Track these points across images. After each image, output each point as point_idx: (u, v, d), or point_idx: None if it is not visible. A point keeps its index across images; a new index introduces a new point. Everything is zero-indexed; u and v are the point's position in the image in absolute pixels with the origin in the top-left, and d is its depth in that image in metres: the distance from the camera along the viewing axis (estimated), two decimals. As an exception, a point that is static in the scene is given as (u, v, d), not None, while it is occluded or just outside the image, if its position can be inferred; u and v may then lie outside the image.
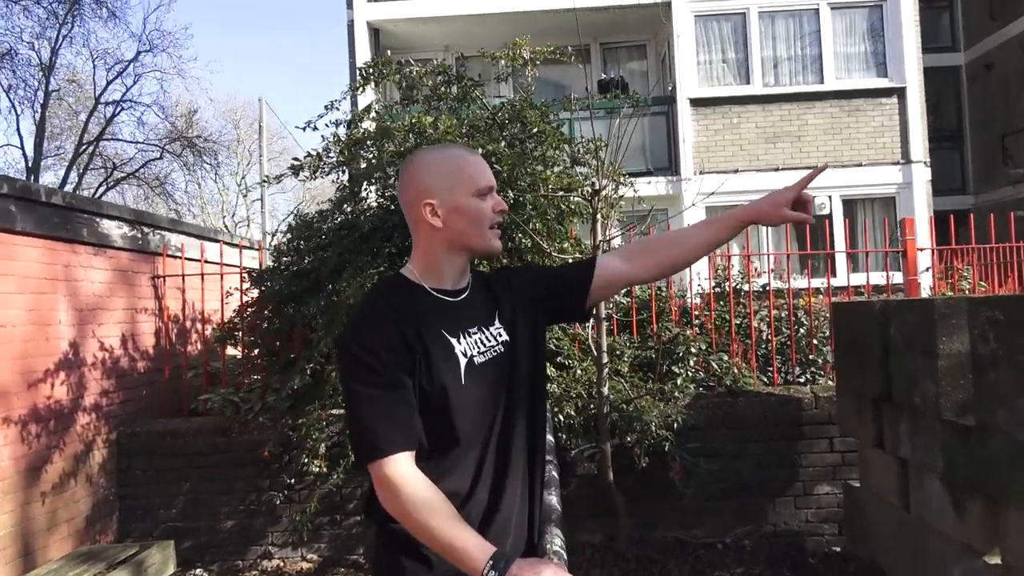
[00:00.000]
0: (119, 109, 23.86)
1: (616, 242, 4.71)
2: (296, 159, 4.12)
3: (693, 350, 5.09)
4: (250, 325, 5.25)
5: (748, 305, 5.48)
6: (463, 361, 1.44)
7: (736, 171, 11.13)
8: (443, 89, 4.33)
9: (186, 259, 5.80)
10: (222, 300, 5.58)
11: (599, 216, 4.39)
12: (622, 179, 4.77)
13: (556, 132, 4.34)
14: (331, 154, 4.09)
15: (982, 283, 6.44)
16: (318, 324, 4.35)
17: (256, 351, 5.25)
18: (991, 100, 14.79)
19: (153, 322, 5.65)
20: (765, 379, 5.37)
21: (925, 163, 11.51)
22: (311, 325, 4.57)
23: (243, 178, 31.76)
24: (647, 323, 5.43)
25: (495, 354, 1.50)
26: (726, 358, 5.22)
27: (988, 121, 14.90)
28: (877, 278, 8.17)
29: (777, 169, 11.39)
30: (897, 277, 6.53)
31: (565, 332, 4.99)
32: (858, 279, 9.30)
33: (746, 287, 5.64)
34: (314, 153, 4.14)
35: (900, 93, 11.47)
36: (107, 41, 31.03)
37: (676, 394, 4.85)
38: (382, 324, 1.41)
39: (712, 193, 6.42)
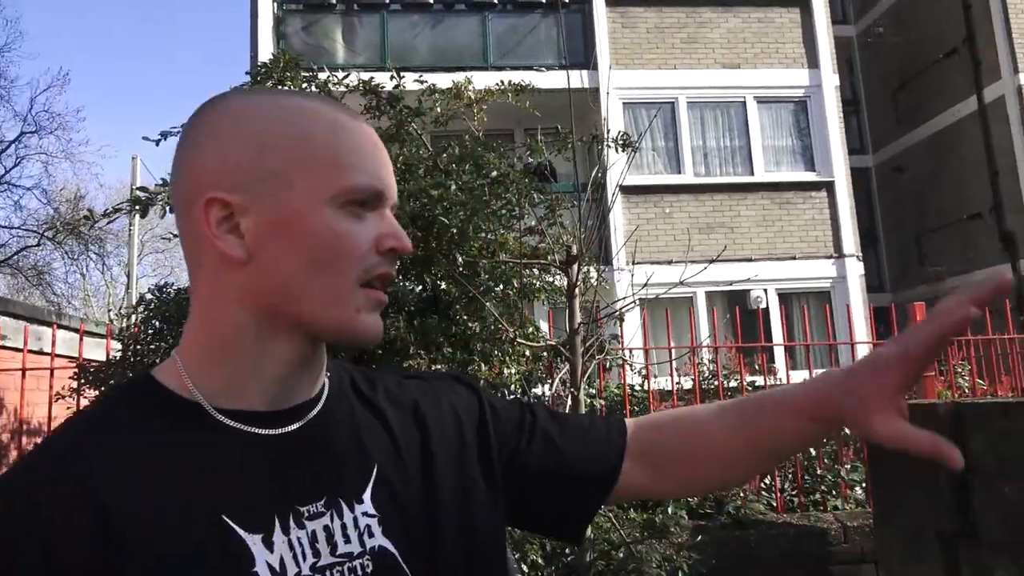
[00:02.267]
0: (-6, 191, 21.74)
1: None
2: (142, 188, 2.80)
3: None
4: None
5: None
6: None
7: (671, 262, 10.49)
8: (369, 117, 3.22)
9: (2, 348, 4.28)
10: (50, 404, 4.08)
11: (576, 292, 3.29)
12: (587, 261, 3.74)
13: (523, 177, 3.28)
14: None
15: (980, 381, 5.71)
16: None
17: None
18: (902, 201, 15.06)
19: (-54, 436, 4.06)
20: (767, 503, 4.28)
21: (857, 257, 11.27)
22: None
23: (131, 273, 29.69)
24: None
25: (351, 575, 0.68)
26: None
27: (901, 221, 15.12)
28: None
29: (712, 261, 10.83)
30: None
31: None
32: (798, 376, 8.67)
33: (733, 382, 4.63)
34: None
35: (829, 187, 11.34)
36: (-15, 120, 28.76)
37: (672, 528, 3.67)
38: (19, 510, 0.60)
39: (646, 284, 5.59)
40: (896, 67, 14.99)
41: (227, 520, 0.65)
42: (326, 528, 0.69)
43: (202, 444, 0.68)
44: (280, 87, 2.91)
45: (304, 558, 0.67)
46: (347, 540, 0.70)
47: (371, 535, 0.71)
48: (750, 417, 0.88)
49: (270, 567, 0.65)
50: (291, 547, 0.67)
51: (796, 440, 0.89)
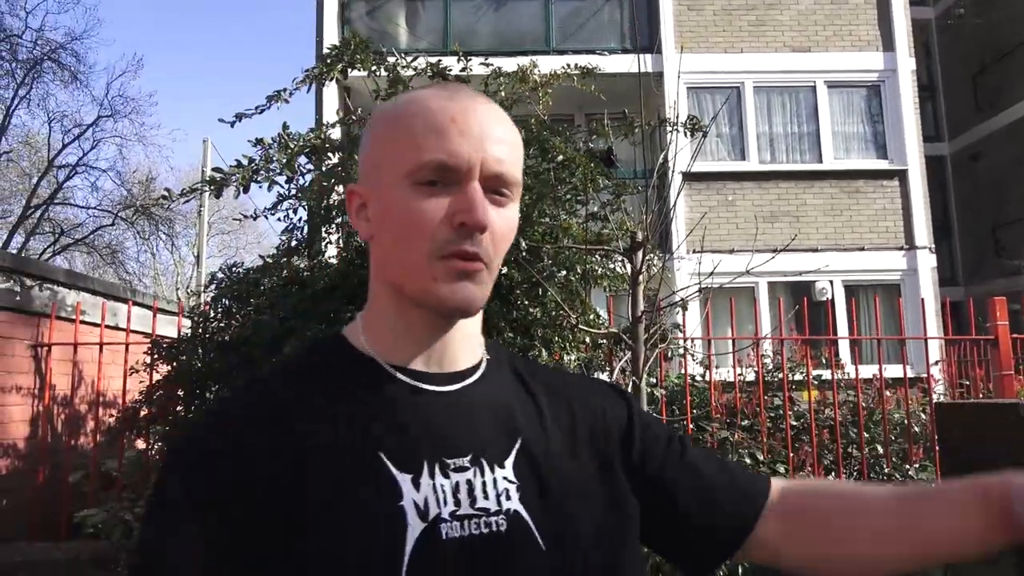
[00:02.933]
0: (73, 173, 22.75)
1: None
2: (217, 170, 2.86)
3: (748, 460, 3.88)
4: (160, 411, 3.91)
5: (808, 399, 4.32)
6: (414, 526, 0.70)
7: (733, 251, 10.26)
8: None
9: (82, 322, 4.46)
10: (125, 377, 4.24)
11: (640, 279, 3.24)
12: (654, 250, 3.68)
13: (588, 162, 3.23)
14: (273, 164, 2.86)
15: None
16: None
17: (163, 446, 3.89)
18: (979, 191, 14.41)
19: (29, 404, 4.26)
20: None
21: (930, 249, 10.84)
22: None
23: (200, 253, 30.65)
24: (676, 422, 4.23)
25: (486, 529, 0.73)
26: (783, 471, 4.03)
27: (977, 212, 14.48)
28: (895, 370, 7.17)
29: (776, 250, 10.57)
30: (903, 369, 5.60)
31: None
32: (867, 371, 8.40)
33: (799, 375, 4.51)
34: (245, 161, 2.83)
35: (901, 176, 10.91)
36: (66, 104, 29.87)
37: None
38: (233, 435, 0.72)
39: (712, 273, 5.46)
40: (976, 50, 14.30)
41: (383, 457, 0.73)
42: (468, 482, 0.75)
43: (372, 391, 0.78)
44: (351, 69, 2.93)
45: (445, 503, 0.73)
46: (486, 497, 0.75)
47: (508, 498, 0.76)
48: (912, 500, 0.86)
49: (415, 504, 0.72)
50: (435, 491, 0.73)
51: (955, 538, 0.83)
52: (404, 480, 0.73)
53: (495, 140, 0.76)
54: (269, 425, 0.74)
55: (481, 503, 0.75)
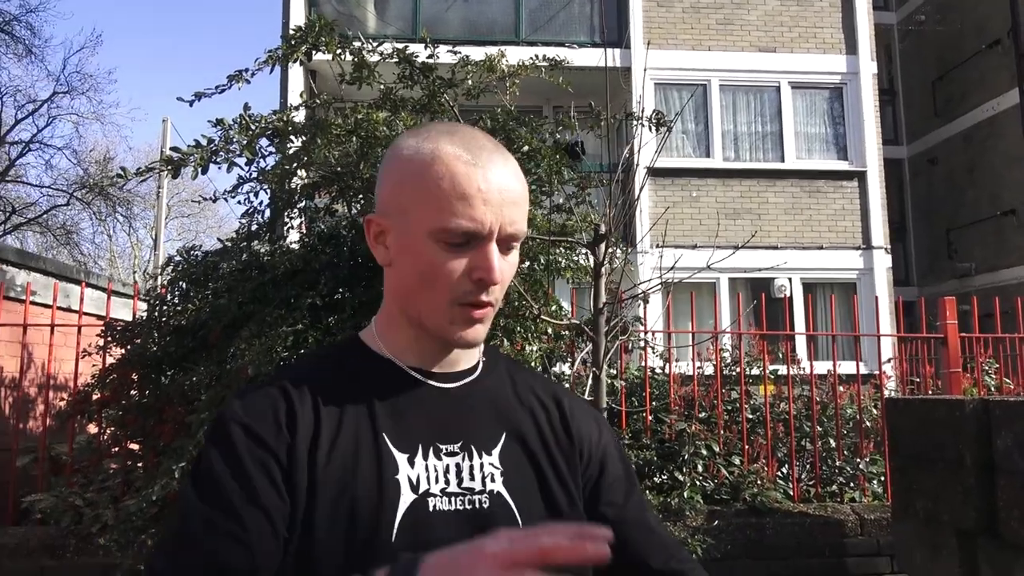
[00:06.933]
0: (26, 150, 21.96)
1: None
2: (175, 149, 2.79)
3: (704, 452, 3.93)
4: (113, 394, 3.82)
5: (764, 393, 4.40)
6: (406, 495, 0.86)
7: (695, 246, 10.38)
8: (402, 86, 3.17)
9: (32, 303, 4.33)
10: (77, 360, 4.13)
11: (603, 272, 3.26)
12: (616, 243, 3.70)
13: (554, 153, 3.23)
14: (234, 145, 2.80)
15: (1007, 380, 5.61)
16: (200, 401, 3.00)
17: (115, 431, 3.81)
18: (935, 194, 14.77)
19: (-24, 387, 4.14)
20: (783, 492, 4.25)
21: (886, 249, 11.10)
22: (192, 401, 3.21)
23: (158, 235, 29.96)
24: (635, 414, 4.28)
25: (470, 506, 0.88)
26: (739, 463, 4.10)
27: (932, 215, 14.85)
28: (849, 367, 7.33)
29: (737, 247, 10.71)
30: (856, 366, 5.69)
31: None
32: (822, 367, 8.58)
33: (756, 370, 4.59)
34: (204, 141, 2.76)
35: (861, 177, 11.14)
36: (20, 79, 28.88)
37: (687, 511, 3.66)
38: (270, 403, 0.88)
39: (673, 267, 5.52)
40: (936, 57, 14.63)
41: (384, 437, 0.89)
42: (457, 465, 0.90)
43: (383, 384, 0.93)
44: (315, 52, 2.88)
45: (435, 481, 0.88)
46: (472, 478, 0.90)
47: (493, 481, 0.90)
48: None
49: (409, 479, 0.87)
50: (427, 470, 0.88)
51: None
52: (401, 458, 0.88)
53: (512, 204, 0.89)
54: (305, 398, 0.89)
55: (467, 483, 0.89)
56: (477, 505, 0.88)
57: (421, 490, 0.86)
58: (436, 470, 0.88)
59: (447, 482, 0.88)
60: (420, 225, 0.87)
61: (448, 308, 0.89)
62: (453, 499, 0.88)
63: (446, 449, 0.90)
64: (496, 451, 0.92)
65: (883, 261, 11.02)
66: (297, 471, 0.84)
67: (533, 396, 1.00)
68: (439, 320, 0.90)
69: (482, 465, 0.90)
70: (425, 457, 0.89)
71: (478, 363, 0.99)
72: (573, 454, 0.97)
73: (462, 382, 0.96)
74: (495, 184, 0.87)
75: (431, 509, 0.86)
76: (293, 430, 0.86)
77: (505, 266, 0.90)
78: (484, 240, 0.87)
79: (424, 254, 0.88)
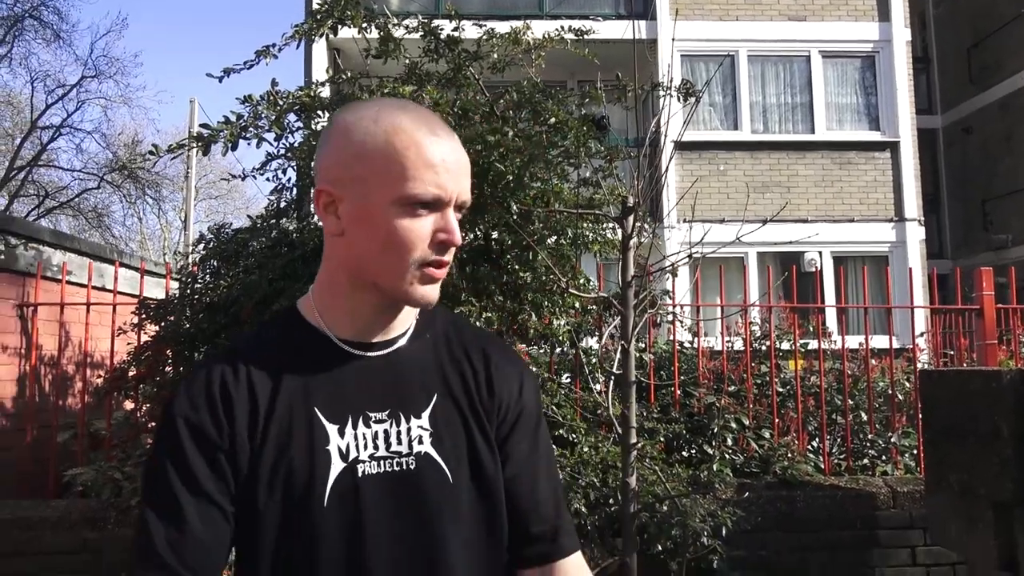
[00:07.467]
0: (57, 134, 22.29)
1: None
2: (205, 126, 2.82)
3: (733, 425, 3.92)
4: (148, 371, 3.90)
5: (794, 367, 4.36)
6: (336, 464, 0.94)
7: (723, 220, 10.26)
8: (427, 61, 3.15)
9: (68, 283, 4.41)
10: (113, 338, 4.21)
11: (631, 245, 3.23)
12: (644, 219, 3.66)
13: (581, 124, 3.20)
14: (262, 120, 2.82)
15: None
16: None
17: (151, 406, 3.88)
18: (970, 164, 14.42)
19: (16, 365, 4.24)
20: (814, 465, 4.22)
21: (919, 222, 10.89)
22: (225, 377, 3.25)
23: (187, 214, 30.34)
24: (663, 388, 4.27)
25: (397, 467, 0.96)
26: (768, 436, 4.08)
27: (967, 185, 14.51)
28: (882, 341, 7.22)
29: (767, 220, 10.55)
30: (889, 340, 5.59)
31: (566, 396, 3.81)
32: (853, 341, 8.47)
33: (786, 344, 4.55)
34: (233, 117, 2.78)
35: (893, 148, 10.91)
36: (49, 64, 29.33)
37: (717, 484, 3.65)
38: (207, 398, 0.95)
39: (701, 241, 5.46)
40: (971, 23, 14.20)
41: (316, 410, 0.95)
42: (385, 432, 0.97)
43: (316, 358, 0.98)
44: (341, 26, 2.88)
45: (364, 448, 0.95)
46: (399, 443, 0.97)
47: (420, 443, 0.97)
48: None
49: (339, 448, 0.94)
50: (356, 439, 0.95)
51: None
52: (332, 429, 0.95)
53: (464, 174, 0.97)
54: (241, 381, 0.95)
55: (395, 447, 0.96)
56: (404, 467, 0.96)
57: (351, 458, 0.94)
58: (365, 438, 0.95)
59: (376, 447, 0.95)
60: (383, 193, 0.92)
61: (410, 271, 0.94)
62: (381, 463, 0.95)
63: (375, 417, 0.97)
64: (426, 414, 0.99)
65: (916, 233, 10.82)
66: (240, 453, 0.92)
67: (464, 355, 1.05)
68: (399, 282, 0.95)
69: (409, 429, 0.97)
70: (355, 426, 0.96)
71: (408, 328, 1.03)
72: (492, 412, 1.03)
73: (391, 349, 1.01)
74: (451, 155, 0.95)
75: (360, 475, 0.94)
76: (231, 416, 0.93)
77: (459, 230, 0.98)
78: (445, 205, 0.94)
79: (388, 220, 0.92)
